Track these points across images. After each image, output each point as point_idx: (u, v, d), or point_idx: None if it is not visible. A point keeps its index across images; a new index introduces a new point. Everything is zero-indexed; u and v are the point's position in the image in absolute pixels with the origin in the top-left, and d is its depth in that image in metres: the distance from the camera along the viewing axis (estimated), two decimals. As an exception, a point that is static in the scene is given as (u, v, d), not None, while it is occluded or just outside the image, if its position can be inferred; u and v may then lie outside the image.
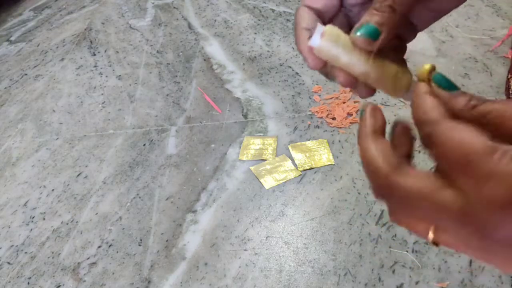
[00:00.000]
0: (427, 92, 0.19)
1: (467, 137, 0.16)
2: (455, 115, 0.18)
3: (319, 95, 1.18)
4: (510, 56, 1.20)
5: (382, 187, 0.19)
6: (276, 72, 1.30)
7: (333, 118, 1.10)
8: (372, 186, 0.20)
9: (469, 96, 0.19)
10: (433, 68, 0.21)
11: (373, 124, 0.20)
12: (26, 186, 1.06)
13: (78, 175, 1.06)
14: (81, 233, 0.93)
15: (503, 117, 0.17)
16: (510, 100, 0.18)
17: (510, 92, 0.96)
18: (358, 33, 0.22)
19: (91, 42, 1.59)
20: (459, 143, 0.16)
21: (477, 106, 0.18)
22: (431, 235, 0.18)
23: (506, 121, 0.17)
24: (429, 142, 0.18)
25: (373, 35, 0.22)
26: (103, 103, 1.29)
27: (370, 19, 0.22)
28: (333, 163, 0.98)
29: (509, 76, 1.01)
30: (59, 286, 0.84)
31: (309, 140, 1.05)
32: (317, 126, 1.09)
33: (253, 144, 1.06)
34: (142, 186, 1.01)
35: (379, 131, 0.20)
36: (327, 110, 1.12)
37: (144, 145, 1.12)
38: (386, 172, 0.18)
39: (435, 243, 0.18)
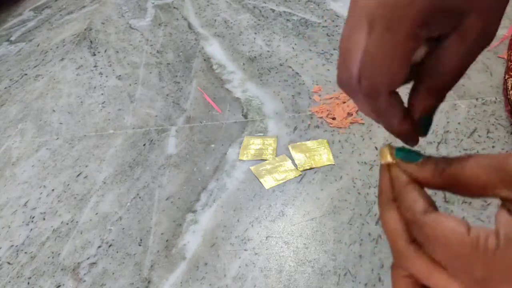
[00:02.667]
0: (405, 182, 0.20)
1: (449, 231, 0.16)
2: (428, 184, 0.19)
3: (319, 95, 1.18)
4: (505, 57, 1.20)
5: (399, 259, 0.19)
6: (276, 72, 1.30)
7: (333, 118, 1.10)
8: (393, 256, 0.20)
9: (434, 162, 0.19)
10: (391, 148, 0.21)
11: (389, 190, 0.20)
12: (26, 186, 1.06)
13: (78, 175, 1.06)
14: (81, 233, 0.93)
15: (471, 176, 0.17)
16: (472, 156, 0.17)
17: (509, 92, 0.96)
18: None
19: (91, 42, 1.59)
20: (445, 238, 0.16)
21: (445, 170, 0.18)
22: None
23: (471, 180, 0.17)
24: (420, 234, 0.18)
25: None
26: (103, 103, 1.29)
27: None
28: (333, 163, 0.98)
29: (506, 77, 1.01)
30: (59, 286, 0.84)
31: (309, 140, 1.05)
32: (317, 126, 1.09)
33: (253, 144, 1.06)
34: (142, 186, 1.01)
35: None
36: (327, 110, 1.12)
37: (144, 145, 1.12)
38: (403, 249, 0.19)
39: None
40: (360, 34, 0.19)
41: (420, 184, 0.19)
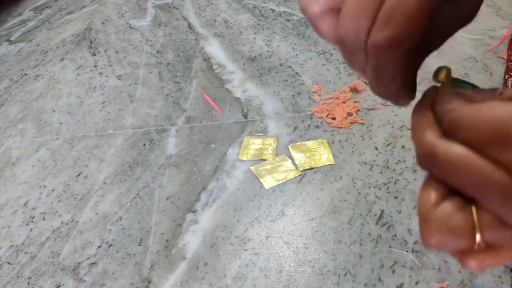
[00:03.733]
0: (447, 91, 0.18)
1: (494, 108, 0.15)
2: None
3: (319, 95, 1.18)
4: (505, 57, 1.20)
5: (426, 156, 0.17)
6: (276, 72, 1.30)
7: (333, 118, 1.10)
8: (416, 155, 0.18)
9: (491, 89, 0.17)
10: (448, 71, 0.20)
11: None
12: (26, 186, 1.06)
13: (78, 175, 1.06)
14: (81, 233, 0.93)
15: None
16: None
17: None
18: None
19: (91, 42, 1.59)
20: (489, 116, 0.15)
21: (503, 93, 0.16)
22: (474, 214, 0.16)
23: None
24: (456, 126, 0.16)
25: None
26: (103, 103, 1.29)
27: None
28: (333, 163, 0.98)
29: (506, 77, 1.01)
30: (59, 286, 0.84)
31: (309, 140, 1.05)
32: (317, 126, 1.09)
33: (253, 144, 1.06)
34: (142, 186, 1.01)
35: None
36: (327, 110, 1.12)
37: (144, 145, 1.12)
38: (431, 141, 0.17)
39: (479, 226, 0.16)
40: None
41: None
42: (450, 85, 0.19)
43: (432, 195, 0.17)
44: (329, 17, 0.19)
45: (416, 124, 0.18)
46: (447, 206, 0.16)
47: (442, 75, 0.20)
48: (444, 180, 0.17)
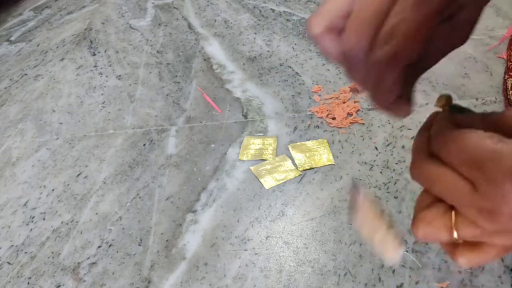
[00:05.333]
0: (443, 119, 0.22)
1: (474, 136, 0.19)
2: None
3: (319, 95, 1.18)
4: (505, 57, 1.20)
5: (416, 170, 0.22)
6: (276, 72, 1.30)
7: (333, 118, 1.10)
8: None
9: (480, 114, 0.21)
10: (448, 98, 0.23)
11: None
12: (26, 186, 1.06)
13: (78, 175, 1.06)
14: (81, 233, 0.93)
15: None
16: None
17: (509, 92, 0.97)
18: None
19: (91, 42, 1.59)
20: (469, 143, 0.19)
21: (487, 117, 0.21)
22: (453, 217, 0.20)
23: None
24: (438, 147, 0.20)
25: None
26: (103, 103, 1.29)
27: None
28: (333, 163, 0.98)
29: (506, 77, 1.01)
30: (59, 286, 0.84)
31: (309, 140, 1.05)
32: (317, 126, 1.09)
33: (253, 144, 1.06)
34: (142, 186, 1.01)
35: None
36: (327, 110, 1.12)
37: (144, 145, 1.12)
38: (420, 160, 0.21)
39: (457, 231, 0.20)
40: None
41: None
42: (447, 110, 0.23)
43: (423, 201, 0.22)
44: (330, 36, 0.22)
45: (414, 143, 0.23)
46: (432, 211, 0.21)
47: (441, 101, 0.23)
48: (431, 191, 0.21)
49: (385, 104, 0.22)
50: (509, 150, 0.17)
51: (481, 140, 0.18)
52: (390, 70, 0.20)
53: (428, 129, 0.22)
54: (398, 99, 0.22)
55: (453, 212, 0.20)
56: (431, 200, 0.21)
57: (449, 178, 0.19)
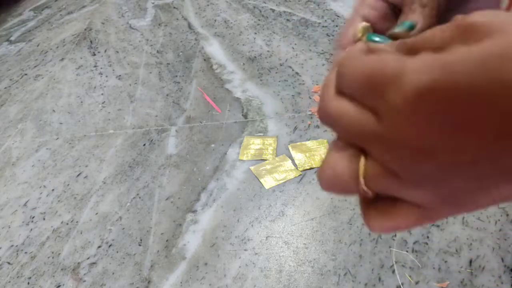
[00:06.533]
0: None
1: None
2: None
3: (319, 95, 1.18)
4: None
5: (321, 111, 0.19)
6: (276, 72, 1.30)
7: (333, 118, 1.10)
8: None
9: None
10: (367, 29, 0.20)
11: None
12: (26, 186, 1.06)
13: (78, 175, 1.06)
14: (81, 233, 0.93)
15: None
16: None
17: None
18: (396, 30, 0.21)
19: (91, 42, 1.59)
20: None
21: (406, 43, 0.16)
22: (361, 163, 0.16)
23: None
24: (341, 79, 0.17)
25: (410, 28, 0.21)
26: (103, 103, 1.29)
27: (406, 18, 0.21)
28: (333, 163, 0.98)
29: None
30: (59, 286, 0.84)
31: (309, 140, 1.05)
32: (317, 126, 1.09)
33: (253, 144, 1.06)
34: (142, 186, 1.01)
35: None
36: (327, 110, 1.12)
37: (144, 145, 1.12)
38: (326, 99, 0.18)
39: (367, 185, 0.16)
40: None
41: None
42: (364, 41, 0.19)
43: (331, 145, 0.18)
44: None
45: (323, 81, 0.19)
46: (339, 153, 0.17)
47: (360, 32, 0.20)
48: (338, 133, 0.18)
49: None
50: (412, 66, 0.13)
51: (381, 61, 0.14)
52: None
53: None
54: None
55: (362, 156, 0.16)
56: (342, 145, 0.17)
57: (352, 113, 0.16)
